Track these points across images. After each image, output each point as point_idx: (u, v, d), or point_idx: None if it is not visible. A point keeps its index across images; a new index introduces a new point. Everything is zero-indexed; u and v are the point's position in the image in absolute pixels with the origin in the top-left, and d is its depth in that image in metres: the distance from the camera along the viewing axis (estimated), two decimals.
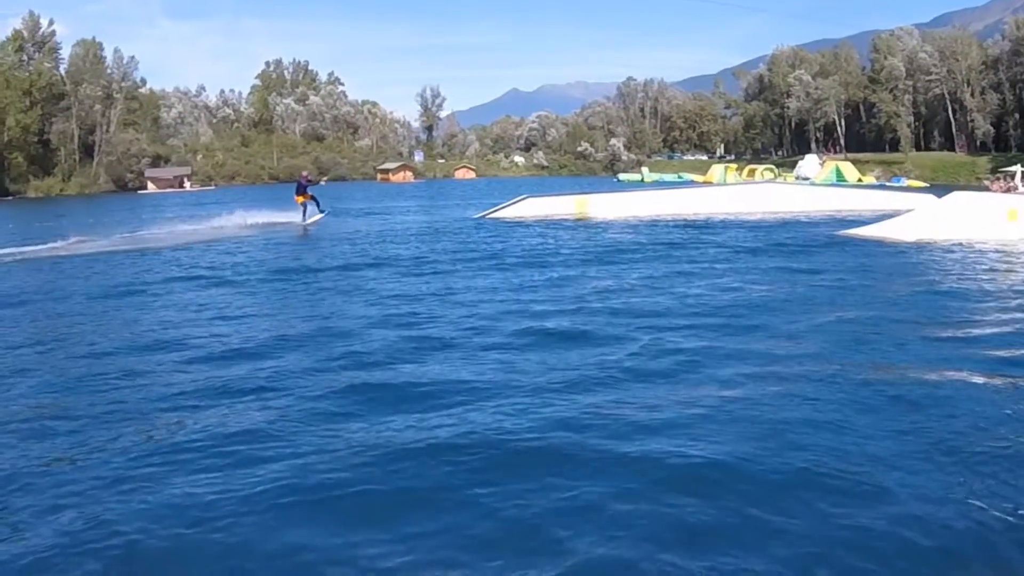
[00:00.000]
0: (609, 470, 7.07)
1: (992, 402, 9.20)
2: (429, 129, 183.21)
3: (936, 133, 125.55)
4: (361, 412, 8.87)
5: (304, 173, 41.02)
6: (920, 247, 25.34)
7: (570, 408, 8.83)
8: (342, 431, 8.26)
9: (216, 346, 12.44)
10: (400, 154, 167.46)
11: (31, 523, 6.41)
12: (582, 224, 36.35)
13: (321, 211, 36.87)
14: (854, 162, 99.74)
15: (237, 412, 8.94)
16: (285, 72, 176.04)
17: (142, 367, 11.21)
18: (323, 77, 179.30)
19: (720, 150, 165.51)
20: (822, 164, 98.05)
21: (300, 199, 35.77)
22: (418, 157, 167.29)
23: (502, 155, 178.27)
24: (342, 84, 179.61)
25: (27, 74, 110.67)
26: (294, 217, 36.52)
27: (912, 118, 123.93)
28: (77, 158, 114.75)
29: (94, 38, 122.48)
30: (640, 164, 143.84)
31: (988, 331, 13.08)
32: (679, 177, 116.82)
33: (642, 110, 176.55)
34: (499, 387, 9.69)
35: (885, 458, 7.47)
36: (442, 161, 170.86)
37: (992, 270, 20.51)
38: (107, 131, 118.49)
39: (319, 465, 7.30)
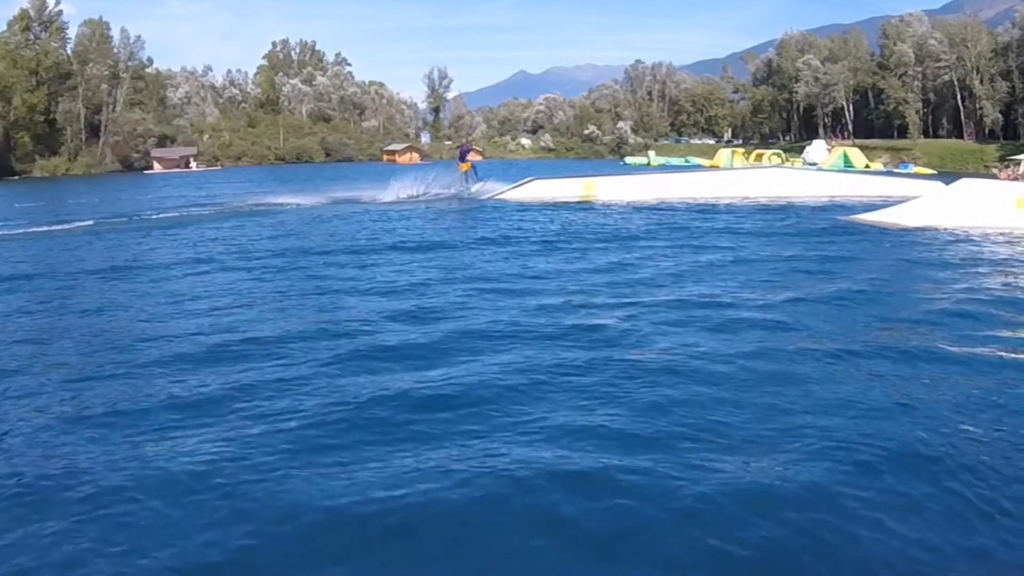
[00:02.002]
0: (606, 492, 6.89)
1: (989, 392, 9.17)
2: (436, 110, 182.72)
3: (944, 120, 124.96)
4: (363, 435, 7.94)
5: (464, 144, 50.22)
6: (926, 234, 25.26)
7: (579, 421, 8.33)
8: (343, 459, 7.37)
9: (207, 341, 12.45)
10: (407, 135, 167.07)
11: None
12: (588, 207, 36.26)
13: (480, 180, 41.25)
14: (862, 148, 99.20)
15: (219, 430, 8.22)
16: (292, 52, 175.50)
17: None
18: (330, 57, 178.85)
19: (728, 134, 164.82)
20: (830, 149, 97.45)
21: (463, 167, 41.08)
22: (425, 139, 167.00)
23: (509, 137, 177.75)
24: (349, 65, 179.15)
25: (33, 53, 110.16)
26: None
27: (920, 105, 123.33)
28: (83, 138, 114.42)
29: (100, 17, 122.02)
30: (647, 147, 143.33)
31: (990, 316, 13.03)
32: (686, 161, 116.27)
33: (650, 93, 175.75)
34: (513, 399, 8.88)
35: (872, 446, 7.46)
36: (449, 143, 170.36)
37: (998, 257, 20.45)
38: (113, 111, 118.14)
39: (315, 496, 6.62)
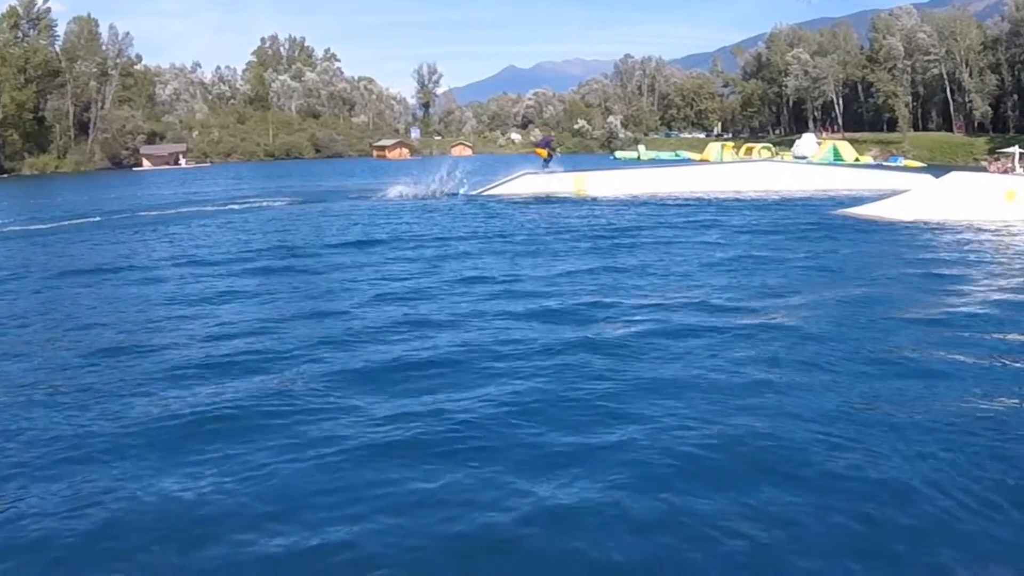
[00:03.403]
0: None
1: (978, 384, 9.17)
2: (426, 106, 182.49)
3: (934, 113, 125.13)
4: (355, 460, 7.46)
5: (548, 136, 57.26)
6: (917, 227, 25.29)
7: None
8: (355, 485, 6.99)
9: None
10: (396, 131, 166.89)
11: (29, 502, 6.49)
12: (579, 202, 36.22)
13: (547, 165, 44.46)
14: (852, 141, 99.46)
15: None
16: (281, 48, 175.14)
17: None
18: (319, 53, 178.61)
19: (717, 128, 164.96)
20: (819, 143, 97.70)
21: (543, 153, 44.88)
22: (414, 134, 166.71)
23: (498, 132, 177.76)
24: (338, 60, 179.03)
25: (22, 51, 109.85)
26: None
27: (910, 98, 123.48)
28: (72, 135, 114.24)
29: (89, 14, 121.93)
30: (637, 142, 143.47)
31: (980, 311, 13.04)
32: (676, 155, 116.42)
33: (639, 88, 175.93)
34: (505, 419, 8.39)
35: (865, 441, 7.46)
36: (438, 138, 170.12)
37: (988, 251, 20.47)
38: (102, 108, 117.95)
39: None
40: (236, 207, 36.28)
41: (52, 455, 7.65)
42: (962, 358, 10.23)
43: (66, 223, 30.57)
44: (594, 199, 37.45)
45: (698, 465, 7.10)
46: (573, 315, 13.03)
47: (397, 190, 40.84)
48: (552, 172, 43.22)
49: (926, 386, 9.14)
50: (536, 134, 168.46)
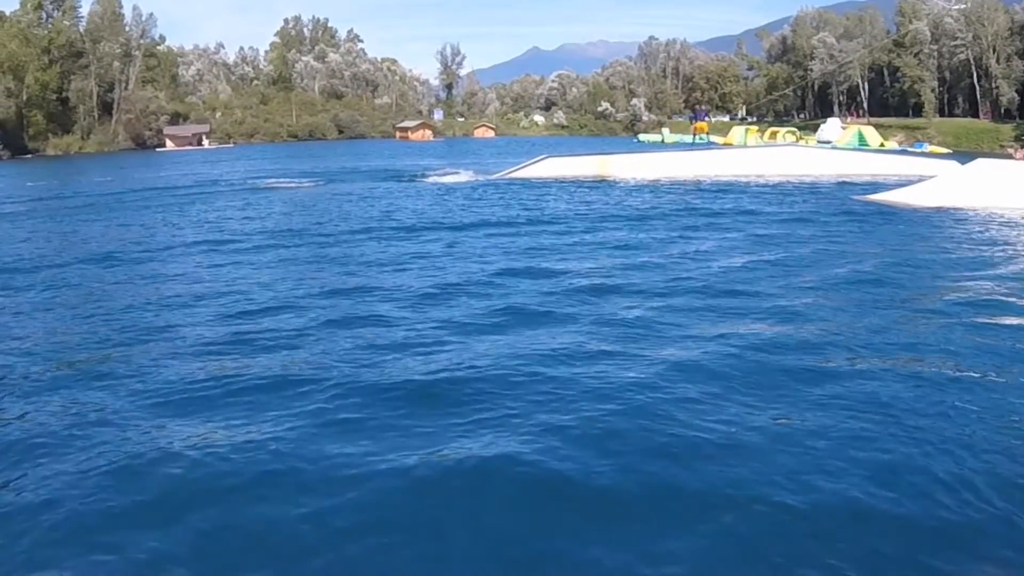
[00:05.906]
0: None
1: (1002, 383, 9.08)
2: (449, 87, 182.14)
3: (960, 99, 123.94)
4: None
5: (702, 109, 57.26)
6: (942, 214, 25.13)
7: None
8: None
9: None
10: (419, 112, 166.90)
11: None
12: (603, 185, 36.11)
13: (699, 141, 43.10)
14: (877, 126, 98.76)
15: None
16: (304, 29, 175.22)
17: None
18: (342, 34, 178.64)
19: (742, 112, 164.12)
20: (844, 128, 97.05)
21: (704, 127, 43.06)
22: (437, 115, 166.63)
23: (522, 114, 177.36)
24: (361, 41, 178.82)
25: (46, 32, 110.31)
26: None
27: (936, 83, 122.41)
28: (96, 116, 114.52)
29: None
30: (661, 125, 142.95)
31: (1005, 303, 12.91)
32: (700, 138, 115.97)
33: (664, 70, 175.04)
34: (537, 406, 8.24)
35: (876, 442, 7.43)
36: (461, 120, 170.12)
37: (1014, 239, 20.28)
38: (126, 89, 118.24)
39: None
40: (260, 188, 36.47)
41: (73, 421, 7.91)
42: (984, 354, 10.13)
43: (89, 202, 30.75)
44: (619, 182, 37.37)
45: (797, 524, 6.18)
46: (622, 322, 12.00)
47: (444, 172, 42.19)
48: (707, 147, 44.25)
49: (960, 387, 9.02)
50: (559, 116, 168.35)
